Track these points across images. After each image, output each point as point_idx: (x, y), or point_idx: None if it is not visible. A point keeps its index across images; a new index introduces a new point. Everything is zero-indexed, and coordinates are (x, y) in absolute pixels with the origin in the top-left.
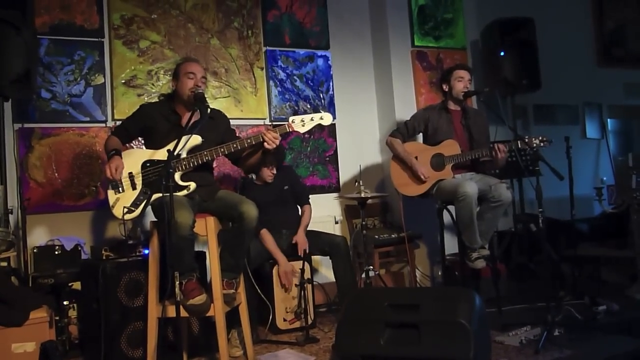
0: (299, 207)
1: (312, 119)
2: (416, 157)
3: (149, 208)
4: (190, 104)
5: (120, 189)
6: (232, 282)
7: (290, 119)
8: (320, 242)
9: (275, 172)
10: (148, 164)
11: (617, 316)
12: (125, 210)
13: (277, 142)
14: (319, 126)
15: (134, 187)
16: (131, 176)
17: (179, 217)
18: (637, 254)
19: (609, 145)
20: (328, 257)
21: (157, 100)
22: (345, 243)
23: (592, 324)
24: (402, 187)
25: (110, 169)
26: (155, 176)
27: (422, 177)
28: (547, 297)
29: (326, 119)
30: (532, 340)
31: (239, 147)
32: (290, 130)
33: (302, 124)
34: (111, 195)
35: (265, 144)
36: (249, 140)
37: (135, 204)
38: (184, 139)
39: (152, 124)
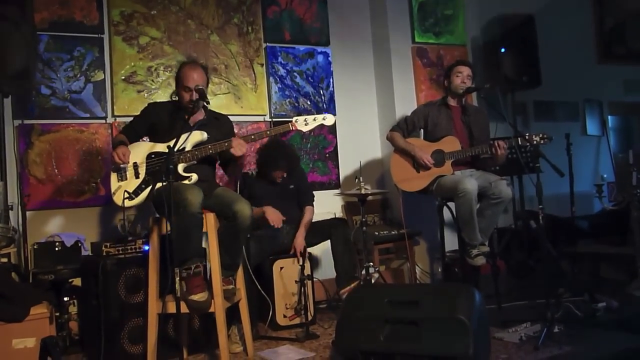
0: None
1: (314, 119)
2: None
3: (148, 203)
4: (191, 111)
5: (123, 177)
6: (230, 280)
7: (294, 118)
8: (319, 227)
9: (285, 175)
10: (153, 156)
11: (617, 313)
12: (126, 195)
13: (244, 149)
14: (321, 125)
15: (137, 176)
16: (135, 166)
17: (189, 195)
18: (637, 251)
19: (609, 142)
20: (328, 240)
21: (166, 100)
22: (344, 224)
23: (592, 321)
24: (402, 182)
25: (118, 154)
26: (159, 166)
27: (427, 163)
28: (546, 294)
29: (328, 119)
30: (532, 337)
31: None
32: (294, 129)
33: (305, 123)
34: (114, 182)
35: (232, 149)
36: (252, 137)
37: (137, 192)
38: (184, 135)
39: (158, 121)
